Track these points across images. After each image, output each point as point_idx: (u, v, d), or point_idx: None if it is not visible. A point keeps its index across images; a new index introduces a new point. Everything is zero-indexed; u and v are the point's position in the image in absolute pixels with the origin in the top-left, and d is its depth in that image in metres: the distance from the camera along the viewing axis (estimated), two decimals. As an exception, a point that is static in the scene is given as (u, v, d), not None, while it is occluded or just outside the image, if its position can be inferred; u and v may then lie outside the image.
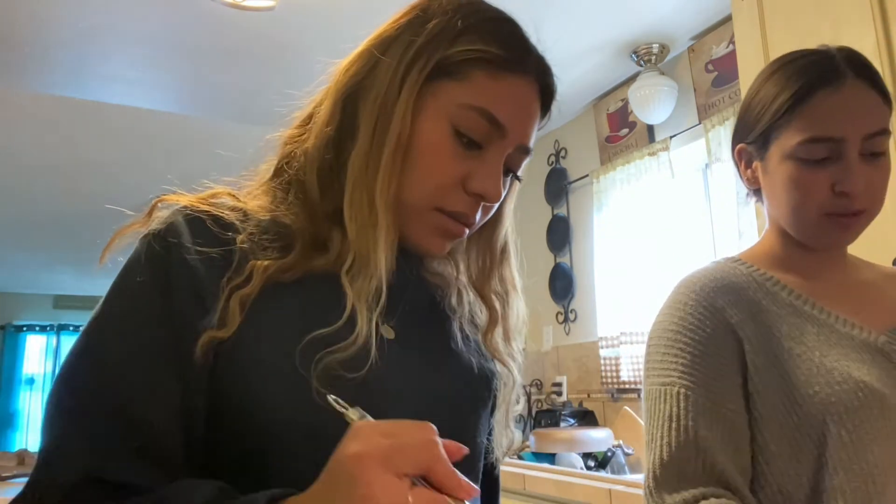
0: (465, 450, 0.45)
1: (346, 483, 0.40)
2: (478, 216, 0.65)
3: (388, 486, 0.39)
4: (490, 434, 0.72)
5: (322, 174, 0.63)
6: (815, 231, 0.84)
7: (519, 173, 0.68)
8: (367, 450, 0.41)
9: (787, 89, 0.83)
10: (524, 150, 0.65)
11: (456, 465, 0.67)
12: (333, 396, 0.47)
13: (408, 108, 0.60)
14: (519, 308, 0.74)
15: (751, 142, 0.89)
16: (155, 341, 0.54)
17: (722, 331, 0.82)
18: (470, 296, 0.74)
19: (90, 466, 0.49)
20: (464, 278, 0.74)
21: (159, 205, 0.61)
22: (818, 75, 0.82)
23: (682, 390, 0.79)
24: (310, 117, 0.67)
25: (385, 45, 0.63)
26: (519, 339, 0.73)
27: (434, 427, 0.43)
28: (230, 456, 0.54)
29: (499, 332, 0.72)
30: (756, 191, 0.92)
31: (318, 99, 0.68)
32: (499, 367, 0.73)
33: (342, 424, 0.49)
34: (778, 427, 0.78)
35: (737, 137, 0.93)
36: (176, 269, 0.55)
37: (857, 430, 0.75)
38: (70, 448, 0.50)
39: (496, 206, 0.67)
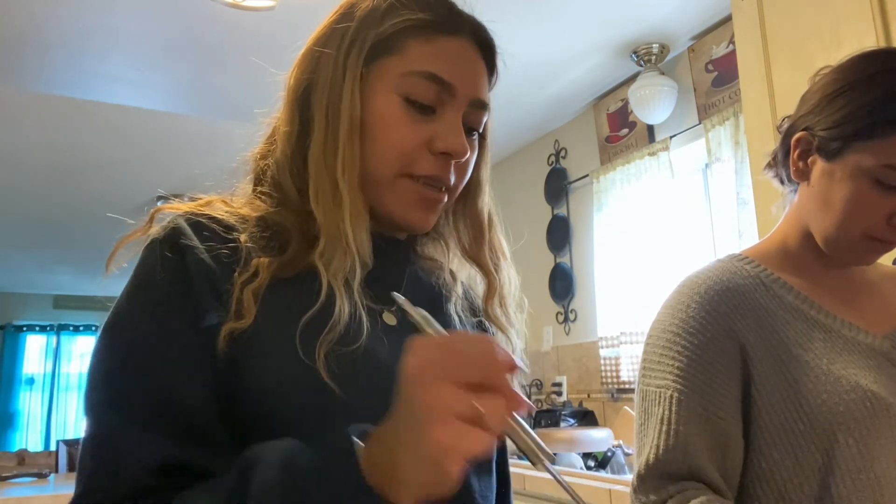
0: (520, 364, 0.44)
1: (411, 394, 0.41)
2: (452, 178, 0.66)
3: (451, 394, 0.40)
4: None
5: (294, 175, 0.66)
6: (848, 249, 0.83)
7: (480, 130, 0.69)
8: (426, 362, 0.41)
9: (893, 106, 0.77)
10: (480, 105, 0.67)
11: None
12: (397, 294, 0.49)
13: (354, 89, 0.62)
14: (511, 275, 0.75)
15: (824, 137, 0.81)
16: (185, 332, 0.56)
17: (723, 337, 0.80)
18: (463, 274, 0.76)
19: (159, 453, 0.51)
20: (456, 256, 0.75)
21: (158, 214, 0.63)
22: None
23: (676, 394, 0.79)
24: (274, 130, 0.70)
25: (324, 41, 0.66)
26: (514, 305, 0.75)
27: (491, 339, 0.44)
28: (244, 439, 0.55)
29: (496, 300, 0.73)
30: (790, 179, 0.88)
31: (279, 112, 0.70)
32: (500, 335, 0.74)
33: (350, 406, 0.51)
34: (783, 434, 0.77)
35: (799, 123, 0.86)
36: (193, 266, 0.57)
37: (865, 440, 0.75)
38: (138, 437, 0.52)
39: (470, 168, 0.69)
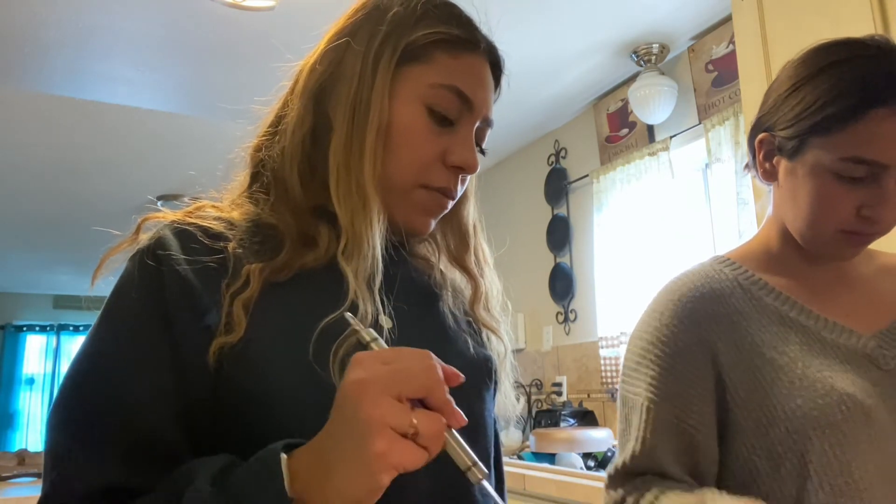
0: (462, 377, 0.47)
1: (351, 408, 0.43)
2: (459, 189, 0.68)
3: (390, 407, 0.42)
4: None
5: (302, 170, 0.66)
6: (826, 245, 0.82)
7: (483, 145, 0.72)
8: (368, 376, 0.43)
9: (841, 99, 0.75)
10: (488, 122, 0.70)
11: (469, 446, 0.66)
12: (350, 314, 0.51)
13: (384, 93, 0.63)
14: (494, 281, 0.78)
15: (783, 137, 0.81)
16: (154, 352, 0.55)
17: (695, 345, 0.81)
18: (454, 274, 0.77)
19: (102, 477, 0.51)
20: (444, 258, 0.77)
21: (145, 224, 0.62)
22: (878, 90, 0.74)
23: (647, 403, 0.80)
24: (277, 121, 0.69)
25: (349, 37, 0.66)
26: (498, 308, 0.77)
27: (433, 354, 0.46)
28: (244, 453, 0.55)
29: (482, 303, 0.76)
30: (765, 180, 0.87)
31: (280, 103, 0.70)
32: (491, 337, 0.76)
33: None
34: (760, 439, 0.76)
35: (761, 123, 0.85)
36: (168, 279, 0.56)
37: (842, 445, 0.73)
38: (81, 460, 0.51)
39: (468, 180, 0.71)
